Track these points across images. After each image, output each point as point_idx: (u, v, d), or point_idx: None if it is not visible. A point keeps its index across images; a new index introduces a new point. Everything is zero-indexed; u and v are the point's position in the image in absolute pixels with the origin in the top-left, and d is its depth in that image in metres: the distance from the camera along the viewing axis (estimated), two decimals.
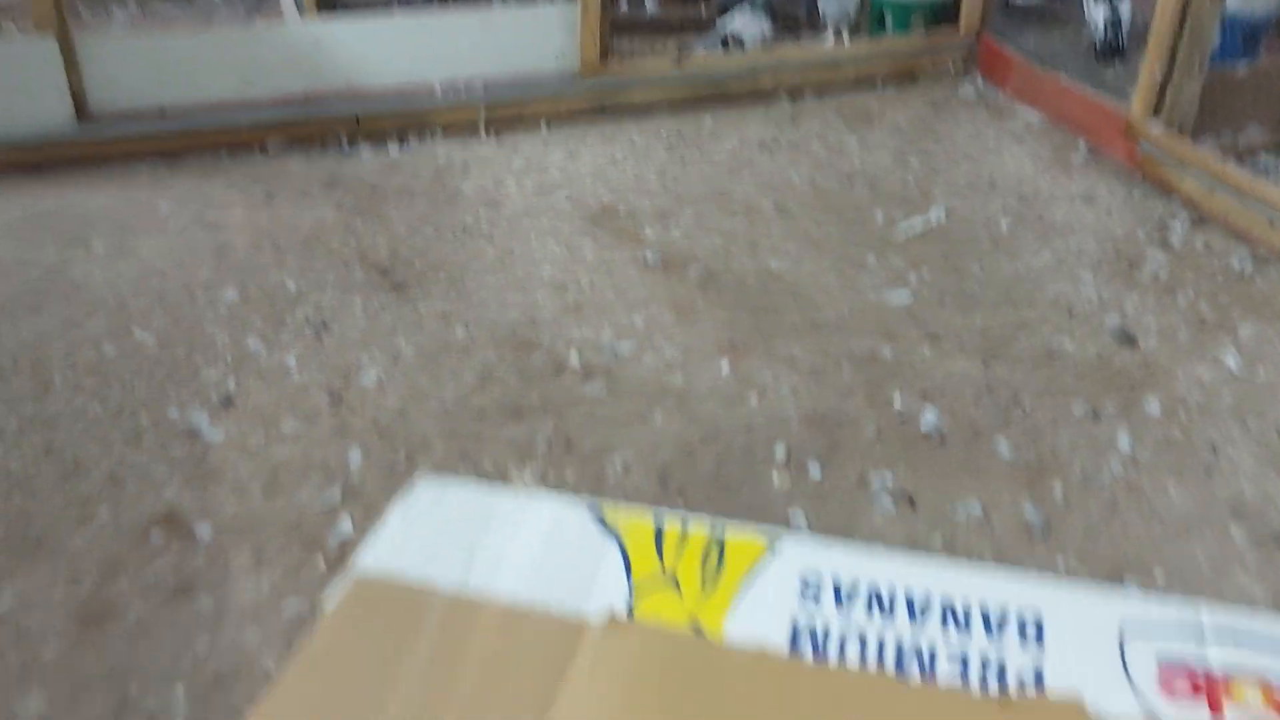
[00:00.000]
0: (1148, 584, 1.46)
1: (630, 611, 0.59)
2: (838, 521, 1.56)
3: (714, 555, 0.63)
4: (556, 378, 1.84)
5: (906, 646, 0.59)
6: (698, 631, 0.59)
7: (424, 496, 0.66)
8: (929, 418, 1.79)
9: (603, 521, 0.65)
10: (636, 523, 0.65)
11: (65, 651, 1.32)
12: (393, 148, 2.61)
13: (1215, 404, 1.83)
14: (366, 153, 2.59)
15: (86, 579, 1.42)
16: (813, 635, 0.59)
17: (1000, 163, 2.71)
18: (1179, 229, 2.39)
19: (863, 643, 0.59)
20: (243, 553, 1.46)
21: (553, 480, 1.61)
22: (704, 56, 2.95)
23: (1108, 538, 1.55)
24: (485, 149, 2.62)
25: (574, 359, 1.88)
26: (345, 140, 2.58)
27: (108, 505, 1.54)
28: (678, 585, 0.61)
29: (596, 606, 0.59)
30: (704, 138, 2.78)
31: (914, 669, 0.57)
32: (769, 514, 1.57)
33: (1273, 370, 1.91)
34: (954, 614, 0.61)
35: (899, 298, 2.14)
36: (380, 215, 2.32)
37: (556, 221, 2.33)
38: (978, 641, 0.59)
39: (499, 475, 1.60)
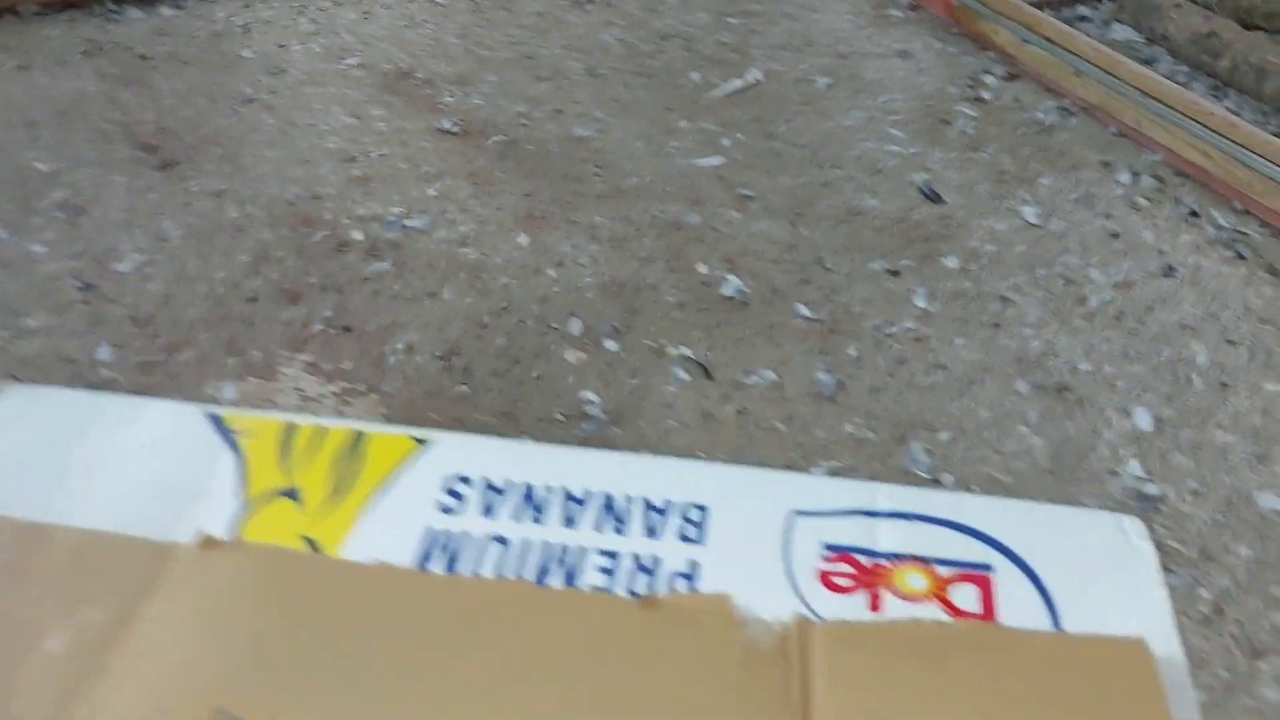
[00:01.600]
0: (931, 442, 1.47)
1: (236, 530, 0.52)
2: (629, 395, 1.52)
3: (351, 459, 0.56)
4: (339, 256, 1.72)
5: (554, 550, 0.53)
6: (313, 547, 0.52)
7: (9, 410, 0.57)
8: (731, 282, 1.75)
9: (221, 427, 0.57)
10: (263, 426, 0.57)
11: None
12: (164, 9, 2.38)
13: (1008, 256, 1.84)
14: (135, 14, 2.35)
15: None
16: (447, 545, 0.53)
17: (820, 20, 2.64)
18: (992, 83, 2.37)
19: (504, 548, 0.53)
20: None
21: (327, 368, 1.51)
22: None
23: (894, 395, 1.55)
24: (269, 10, 2.41)
25: (359, 235, 1.77)
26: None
27: None
28: (299, 496, 0.54)
29: (197, 527, 0.52)
30: None
31: (558, 574, 0.52)
32: (560, 389, 1.52)
33: (1065, 221, 1.93)
34: (614, 511, 0.55)
35: (709, 162, 2.07)
36: (148, 85, 2.12)
37: (346, 89, 2.17)
38: (634, 540, 0.54)
39: (266, 365, 1.50)
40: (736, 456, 1.43)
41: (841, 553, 0.55)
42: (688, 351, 1.60)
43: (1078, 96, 2.27)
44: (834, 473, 1.41)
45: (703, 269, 1.77)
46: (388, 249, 1.75)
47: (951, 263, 1.82)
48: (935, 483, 1.41)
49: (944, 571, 0.55)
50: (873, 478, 1.39)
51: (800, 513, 0.57)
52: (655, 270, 1.77)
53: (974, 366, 1.61)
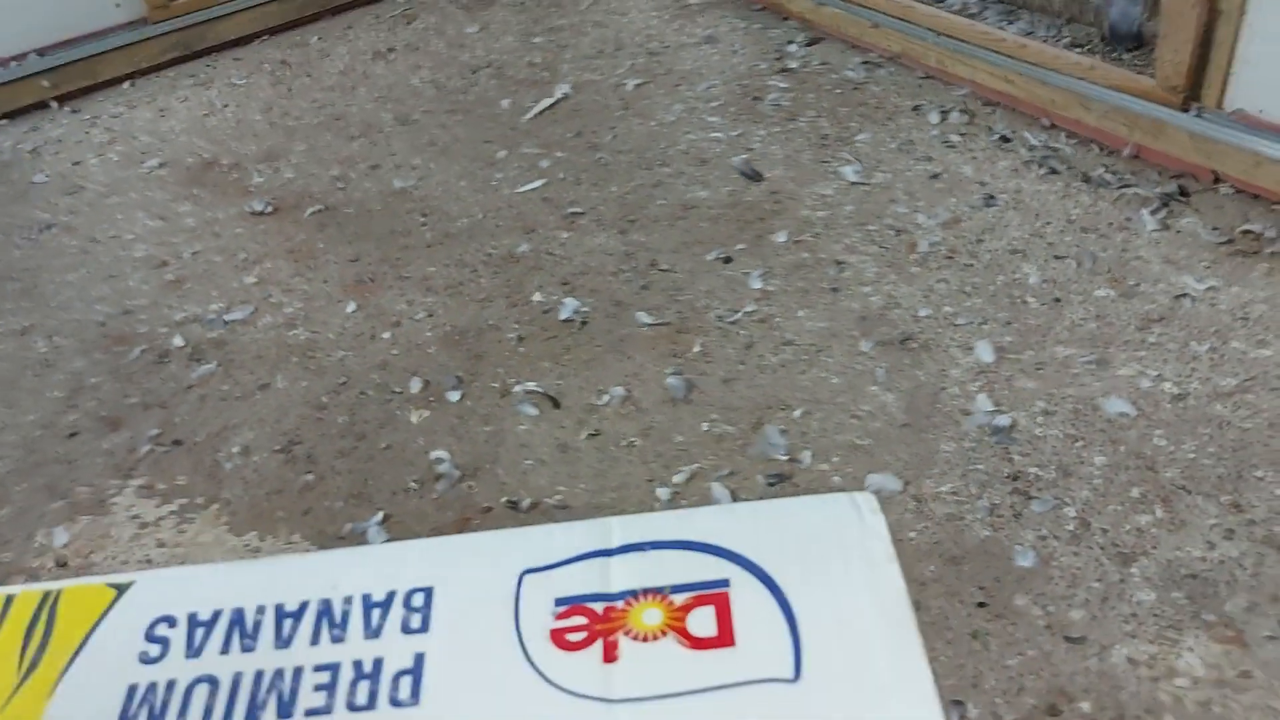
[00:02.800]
0: (787, 421, 1.46)
1: None
2: (482, 445, 1.48)
3: (43, 622, 0.52)
4: (160, 368, 1.66)
5: (267, 678, 0.50)
6: None
7: None
8: (569, 304, 1.72)
9: None
10: None
11: None
12: None
13: (838, 218, 1.85)
14: None
15: None
16: (149, 699, 0.49)
17: (627, 22, 2.64)
18: (797, 51, 2.39)
19: (213, 689, 0.50)
20: None
21: (162, 488, 1.45)
22: None
23: (747, 382, 1.54)
24: (58, 128, 2.32)
25: (179, 341, 1.71)
26: None
27: None
28: None
29: None
30: (312, 59, 2.56)
31: (271, 705, 0.49)
32: (410, 455, 1.48)
33: (888, 171, 1.95)
34: (331, 618, 0.52)
35: (534, 186, 2.05)
36: None
37: (149, 192, 2.10)
38: (354, 645, 0.51)
39: (96, 500, 1.44)
40: (598, 482, 1.41)
41: (573, 604, 0.52)
42: (534, 386, 1.57)
43: (881, 48, 2.29)
44: (695, 476, 1.40)
45: (538, 297, 1.75)
46: (211, 349, 1.69)
47: (782, 237, 1.82)
48: (794, 461, 1.40)
49: (680, 599, 0.52)
50: (734, 472, 1.38)
51: (530, 571, 0.54)
52: (495, 309, 1.74)
53: (820, 335, 1.60)
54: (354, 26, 2.69)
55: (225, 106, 2.39)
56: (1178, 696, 1.08)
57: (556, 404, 1.54)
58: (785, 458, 1.40)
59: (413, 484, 1.43)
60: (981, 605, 1.19)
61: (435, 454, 1.47)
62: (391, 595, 0.52)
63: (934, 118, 2.06)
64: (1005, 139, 1.98)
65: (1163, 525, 1.26)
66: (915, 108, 2.11)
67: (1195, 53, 1.75)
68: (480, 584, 0.53)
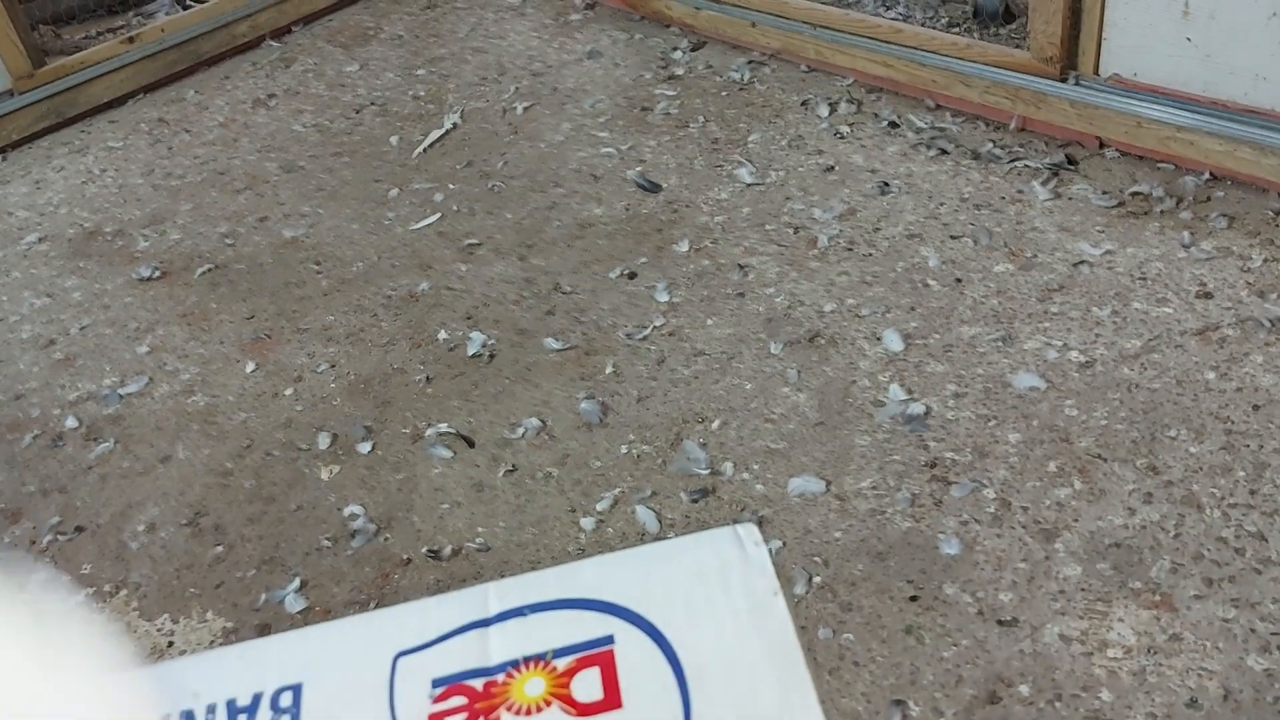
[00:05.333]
0: (705, 434, 1.44)
1: None
2: (396, 493, 1.44)
3: None
4: (56, 452, 1.59)
5: None
6: None
7: None
8: (475, 339, 1.69)
9: None
10: None
11: None
12: None
13: (736, 221, 1.84)
14: None
15: None
16: None
17: (507, 45, 2.61)
18: (680, 58, 2.38)
19: None
20: None
21: (67, 578, 1.39)
22: (162, 23, 2.63)
23: (661, 398, 1.52)
24: None
25: (73, 422, 1.64)
26: None
27: None
28: None
29: None
30: (190, 114, 2.49)
31: None
32: (322, 512, 1.43)
33: (781, 169, 1.94)
34: None
35: (428, 222, 2.01)
36: None
37: (32, 270, 2.02)
38: None
39: None
40: (517, 518, 1.38)
41: (451, 684, 0.49)
42: (445, 427, 1.53)
43: (762, 46, 2.29)
44: (618, 501, 1.37)
45: (443, 335, 1.71)
46: (108, 425, 1.62)
47: (684, 247, 1.80)
48: (716, 474, 1.38)
49: (563, 663, 0.50)
50: (656, 492, 1.36)
51: (404, 653, 0.51)
52: (399, 352, 1.70)
53: (728, 342, 1.59)
54: (230, 76, 2.63)
55: (104, 172, 2.31)
56: (1112, 670, 1.08)
57: (470, 443, 1.50)
58: (707, 471, 1.38)
59: (326, 543, 1.38)
60: (913, 599, 1.18)
61: (349, 509, 1.43)
62: (258, 698, 0.49)
63: (822, 110, 2.07)
64: (893, 124, 1.99)
65: (1082, 497, 1.26)
66: (803, 103, 2.11)
67: (1066, 22, 1.77)
68: (352, 672, 0.50)
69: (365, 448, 1.52)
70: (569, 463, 1.45)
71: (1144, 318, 1.50)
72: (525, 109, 2.31)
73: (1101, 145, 1.83)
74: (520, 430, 1.51)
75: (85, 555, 1.41)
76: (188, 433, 1.59)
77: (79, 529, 1.45)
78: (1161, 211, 1.69)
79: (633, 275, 1.77)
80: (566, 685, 0.49)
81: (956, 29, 2.09)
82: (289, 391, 1.65)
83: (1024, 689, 1.08)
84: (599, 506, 1.37)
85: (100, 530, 1.45)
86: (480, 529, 1.37)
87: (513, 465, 1.45)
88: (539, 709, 0.47)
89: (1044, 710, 1.05)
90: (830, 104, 2.08)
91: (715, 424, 1.46)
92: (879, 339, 1.53)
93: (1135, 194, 1.73)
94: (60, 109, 2.46)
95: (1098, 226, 1.68)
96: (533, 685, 0.49)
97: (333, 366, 1.69)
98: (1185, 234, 1.63)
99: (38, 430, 1.63)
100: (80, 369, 1.74)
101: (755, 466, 1.38)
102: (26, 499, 1.51)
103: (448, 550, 1.35)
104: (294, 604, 1.30)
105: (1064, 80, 1.82)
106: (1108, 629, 1.11)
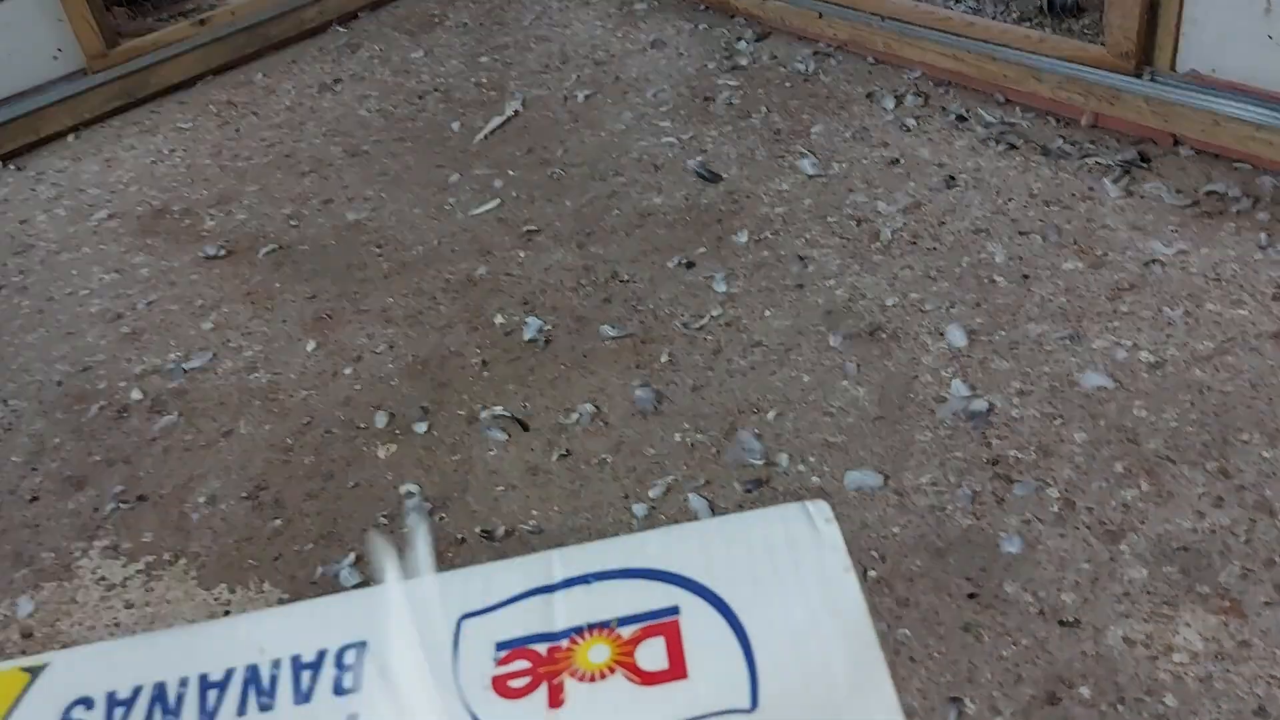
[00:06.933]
0: (761, 425, 1.43)
1: None
2: (452, 474, 1.45)
3: None
4: (121, 423, 1.62)
5: None
6: None
7: None
8: (532, 324, 1.69)
9: None
10: None
11: None
12: None
13: (798, 213, 1.82)
14: None
15: None
16: None
17: (571, 34, 2.61)
18: (745, 48, 2.37)
19: None
20: None
21: (128, 546, 1.41)
22: (233, 6, 2.66)
23: (717, 388, 1.51)
24: (3, 186, 2.28)
25: (139, 395, 1.67)
26: None
27: None
28: None
29: None
30: (258, 97, 2.53)
31: None
32: (379, 491, 1.44)
33: (844, 161, 1.92)
34: (259, 685, 0.49)
35: (488, 207, 2.02)
36: None
37: (102, 245, 2.06)
38: (283, 713, 0.48)
39: (62, 565, 1.40)
40: (571, 503, 1.38)
41: (515, 648, 0.49)
42: (501, 410, 1.53)
43: (829, 37, 2.27)
44: (671, 489, 1.36)
45: (500, 319, 1.71)
46: (172, 399, 1.65)
47: (743, 237, 1.79)
48: (771, 465, 1.37)
49: (628, 632, 0.49)
50: (710, 481, 1.35)
51: (468, 615, 0.51)
52: (457, 335, 1.71)
53: (787, 333, 1.58)
54: (298, 60, 2.66)
55: (173, 152, 2.35)
56: (1177, 674, 1.05)
57: (525, 427, 1.50)
58: (761, 462, 1.37)
59: (383, 520, 1.39)
60: (971, 596, 1.16)
61: (406, 487, 1.43)
62: (322, 654, 0.49)
63: (888, 103, 2.04)
64: (961, 118, 1.95)
65: (1149, 499, 1.23)
66: (868, 94, 2.09)
67: (1143, 17, 1.73)
68: (416, 633, 0.50)
69: (422, 428, 1.52)
70: (623, 449, 1.44)
71: (1217, 319, 1.46)
72: (587, 97, 2.31)
73: (1176, 143, 1.78)
74: (575, 416, 1.51)
75: (147, 524, 1.44)
76: (249, 408, 1.61)
77: (141, 498, 1.48)
78: (1237, 212, 1.64)
79: (691, 265, 1.76)
80: (631, 653, 0.48)
81: (1028, 23, 2.05)
82: (348, 371, 1.66)
83: (1085, 691, 1.05)
84: (652, 493, 1.36)
85: (162, 500, 1.47)
86: (534, 511, 1.37)
87: (567, 450, 1.45)
88: (603, 675, 0.47)
89: (1105, 713, 1.03)
90: (897, 97, 2.05)
91: (771, 415, 1.45)
92: (942, 334, 1.51)
93: (1210, 193, 1.69)
94: (131, 90, 2.50)
95: (1171, 226, 1.64)
96: (597, 652, 0.48)
97: (391, 347, 1.70)
98: (1262, 235, 1.59)
99: (104, 401, 1.66)
100: (146, 343, 1.77)
101: (811, 459, 1.37)
102: (92, 468, 1.54)
103: (501, 531, 1.35)
104: (349, 578, 1.31)
105: (1139, 76, 1.78)
106: (1173, 633, 1.09)
